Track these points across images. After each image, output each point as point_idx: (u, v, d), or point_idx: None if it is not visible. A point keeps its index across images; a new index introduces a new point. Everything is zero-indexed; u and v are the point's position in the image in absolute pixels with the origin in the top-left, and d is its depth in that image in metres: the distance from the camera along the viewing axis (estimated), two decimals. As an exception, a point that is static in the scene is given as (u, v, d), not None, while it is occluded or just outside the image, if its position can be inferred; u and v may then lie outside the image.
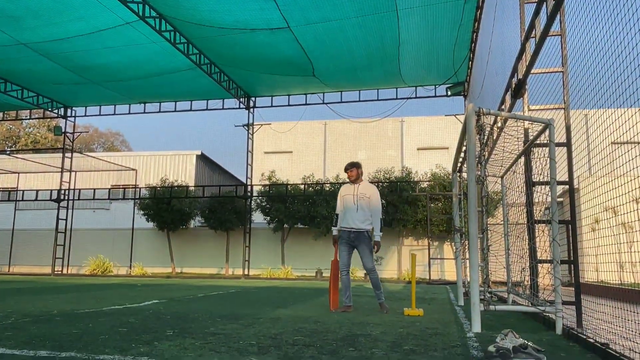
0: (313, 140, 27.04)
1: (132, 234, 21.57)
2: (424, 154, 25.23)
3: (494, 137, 6.07)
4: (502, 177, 7.27)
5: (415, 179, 18.70)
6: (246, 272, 18.62)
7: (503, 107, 6.05)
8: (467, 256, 8.20)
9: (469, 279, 6.83)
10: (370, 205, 5.96)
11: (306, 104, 18.53)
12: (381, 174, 18.90)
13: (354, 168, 6.12)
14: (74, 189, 21.16)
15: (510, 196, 6.50)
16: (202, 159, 28.65)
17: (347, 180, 6.20)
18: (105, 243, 22.01)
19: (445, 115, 19.32)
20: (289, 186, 19.26)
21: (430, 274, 17.08)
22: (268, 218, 19.64)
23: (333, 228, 6.07)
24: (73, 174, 21.80)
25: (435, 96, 17.34)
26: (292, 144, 26.81)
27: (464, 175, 8.33)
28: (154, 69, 14.99)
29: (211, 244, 21.25)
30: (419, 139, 25.42)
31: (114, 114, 19.87)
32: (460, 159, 7.71)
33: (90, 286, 11.80)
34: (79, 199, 21.17)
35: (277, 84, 17.10)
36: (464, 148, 6.78)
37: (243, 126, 19.49)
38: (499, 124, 5.69)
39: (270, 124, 20.93)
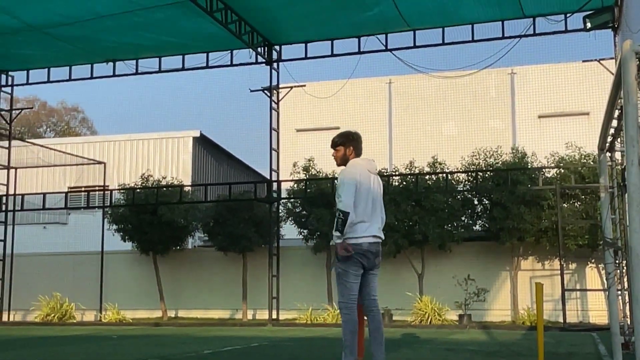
0: (371, 108, 26.95)
1: (102, 261, 22.18)
2: (549, 124, 24.71)
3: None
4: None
5: (536, 164, 18.36)
6: (274, 316, 18.80)
7: (681, 43, 5.85)
8: (627, 286, 7.97)
9: (630, 322, 6.62)
10: None
11: (359, 53, 18.48)
12: (481, 158, 18.65)
13: (336, 146, 6.50)
14: (13, 195, 21.88)
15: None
16: (202, 143, 29.13)
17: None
18: (63, 274, 22.73)
19: (584, 62, 18.81)
20: (335, 181, 19.31)
21: (566, 314, 16.77)
22: (305, 232, 19.74)
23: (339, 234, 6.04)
24: (11, 171, 22.61)
25: (566, 31, 16.92)
26: (338, 116, 26.79)
27: (618, 156, 8.11)
28: (125, 3, 15.27)
29: (220, 274, 21.57)
30: (541, 102, 24.92)
31: (69, 79, 20.42)
32: (612, 131, 7.51)
33: (44, 340, 12.22)
34: (21, 210, 21.90)
35: (314, 21, 17.12)
36: (616, 113, 6.60)
37: (263, 90, 19.65)
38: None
39: (304, 85, 20.98)
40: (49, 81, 20.54)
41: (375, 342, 6.09)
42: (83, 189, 25.54)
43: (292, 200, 19.97)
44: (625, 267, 8.04)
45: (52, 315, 20.84)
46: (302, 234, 19.88)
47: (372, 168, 6.35)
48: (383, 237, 6.25)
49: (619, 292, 8.32)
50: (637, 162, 4.61)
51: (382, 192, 6.41)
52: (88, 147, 28.72)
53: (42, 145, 25.86)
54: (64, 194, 22.47)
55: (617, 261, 8.06)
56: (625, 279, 8.04)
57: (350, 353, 5.93)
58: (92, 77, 20.18)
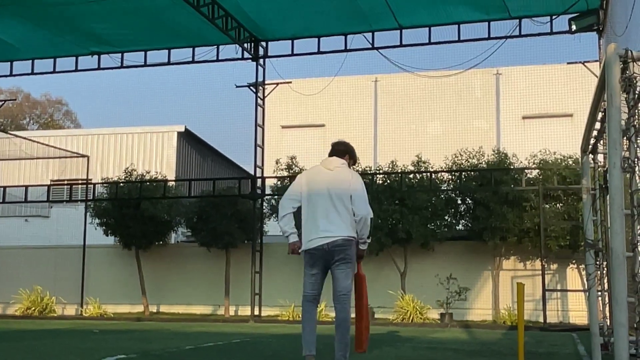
0: (357, 106, 26.98)
1: (84, 255, 22.05)
2: (533, 125, 24.85)
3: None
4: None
5: (519, 165, 18.45)
6: (257, 313, 18.79)
7: (664, 47, 5.89)
8: (607, 287, 8.03)
9: (609, 323, 6.68)
10: None
11: (346, 50, 18.49)
12: (464, 158, 18.73)
13: None
14: (-4, 187, 21.72)
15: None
16: (187, 138, 29.04)
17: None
18: (45, 268, 22.59)
19: (568, 64, 18.91)
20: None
21: (546, 314, 16.90)
22: (289, 228, 19.74)
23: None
24: (-6, 163, 22.43)
25: (551, 33, 17.02)
26: (324, 113, 26.81)
27: (600, 158, 8.15)
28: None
29: (202, 270, 21.52)
30: (525, 102, 25.05)
31: (54, 71, 20.26)
32: (595, 133, 7.55)
33: (23, 334, 12.14)
34: (2, 202, 21.73)
35: (301, 18, 17.12)
36: (600, 115, 6.65)
37: (248, 86, 19.62)
38: (659, 76, 5.54)
39: (290, 82, 20.95)
40: (32, 73, 20.36)
41: (336, 338, 6.07)
42: (66, 182, 25.38)
43: (276, 196, 19.95)
44: (605, 269, 8.09)
45: (33, 308, 20.70)
46: (286, 230, 19.85)
47: (327, 164, 6.27)
48: (333, 233, 6.04)
49: (599, 293, 8.36)
50: (619, 165, 4.64)
51: (352, 183, 6.13)
52: (72, 140, 28.55)
53: (25, 138, 25.69)
54: (46, 187, 22.32)
55: (597, 262, 8.10)
56: (606, 280, 8.10)
57: (304, 346, 6.06)
58: (76, 70, 20.04)
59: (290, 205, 6.24)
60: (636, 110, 5.10)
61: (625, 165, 4.74)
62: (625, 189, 4.83)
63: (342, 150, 6.40)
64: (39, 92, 70.91)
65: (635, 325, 4.90)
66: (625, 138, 4.84)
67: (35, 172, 28.16)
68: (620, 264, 4.51)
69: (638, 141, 5.09)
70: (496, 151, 18.93)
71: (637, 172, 4.88)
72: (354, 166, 6.52)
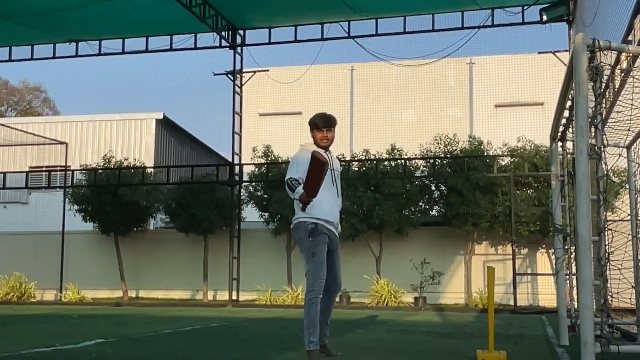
0: (333, 94, 26.95)
1: (63, 240, 21.91)
2: (505, 113, 25.01)
3: (617, 86, 6.01)
4: (628, 148, 7.16)
5: (492, 152, 18.58)
6: (235, 297, 18.81)
7: (630, 37, 5.97)
8: (574, 270, 8.14)
9: (576, 306, 6.79)
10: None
11: (322, 39, 18.45)
12: (439, 146, 18.82)
13: (334, 127, 6.04)
14: (-26, 174, 21.45)
15: (642, 177, 6.44)
16: (165, 125, 28.84)
17: (317, 142, 6.01)
18: (23, 254, 22.41)
19: (539, 53, 19.04)
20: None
21: (517, 297, 17.09)
22: (266, 215, 19.76)
23: (299, 189, 5.61)
24: (-28, 150, 22.15)
25: (523, 23, 17.13)
26: (301, 101, 26.75)
27: (569, 145, 8.24)
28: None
29: (181, 255, 21.48)
30: (497, 91, 25.18)
31: (31, 58, 20.02)
32: (564, 121, 7.63)
33: (2, 319, 12.06)
34: (-18, 189, 21.49)
35: (278, 8, 17.04)
36: (568, 103, 6.72)
37: (226, 74, 19.53)
38: (625, 65, 5.61)
39: (267, 70, 20.89)
40: (10, 60, 20.13)
41: None
42: (44, 168, 25.13)
43: (253, 183, 19.94)
44: (573, 253, 8.20)
45: (12, 294, 20.53)
46: (263, 217, 19.87)
47: (331, 155, 6.30)
48: (338, 222, 6.13)
49: (567, 277, 8.48)
50: (586, 152, 4.71)
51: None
52: (50, 127, 28.21)
53: (2, 125, 25.36)
54: (24, 174, 22.09)
55: (565, 247, 8.22)
56: (573, 264, 8.22)
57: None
58: (54, 57, 19.82)
59: None
60: (603, 99, 5.16)
61: (592, 152, 4.81)
62: (592, 175, 4.90)
63: None
64: (16, 79, 69.90)
65: (600, 308, 4.98)
66: (592, 126, 4.90)
67: (13, 158, 27.85)
68: (587, 248, 4.58)
69: (605, 129, 5.16)
70: (472, 138, 19.04)
71: (603, 159, 4.95)
72: (321, 131, 5.96)
